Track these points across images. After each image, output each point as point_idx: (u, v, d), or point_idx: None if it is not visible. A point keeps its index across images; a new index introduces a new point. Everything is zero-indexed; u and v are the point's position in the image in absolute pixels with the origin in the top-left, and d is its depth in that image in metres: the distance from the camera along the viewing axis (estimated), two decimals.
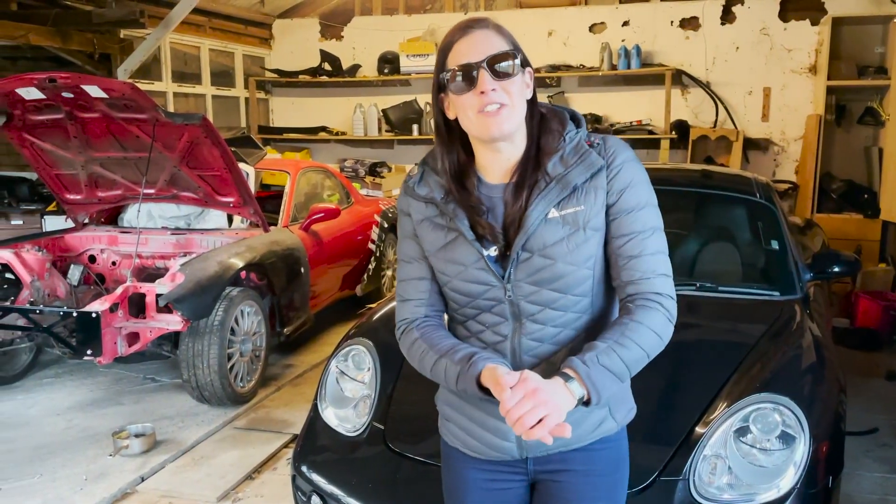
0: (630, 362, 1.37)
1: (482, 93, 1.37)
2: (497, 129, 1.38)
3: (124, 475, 3.45)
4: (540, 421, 1.24)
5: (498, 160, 1.45)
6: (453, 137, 1.48)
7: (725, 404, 2.25)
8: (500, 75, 1.38)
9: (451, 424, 1.58)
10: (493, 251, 1.43)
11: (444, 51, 1.42)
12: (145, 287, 3.91)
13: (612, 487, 1.55)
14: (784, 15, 7.57)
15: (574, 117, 1.50)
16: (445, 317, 1.58)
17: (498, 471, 1.54)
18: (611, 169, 1.42)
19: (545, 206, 1.40)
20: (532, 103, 1.46)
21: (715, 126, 7.75)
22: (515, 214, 1.42)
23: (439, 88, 1.45)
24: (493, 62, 1.37)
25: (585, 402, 1.33)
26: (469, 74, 1.38)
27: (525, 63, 1.43)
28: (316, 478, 2.39)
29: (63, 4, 6.18)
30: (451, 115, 1.45)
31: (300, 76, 8.84)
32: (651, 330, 1.40)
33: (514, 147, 1.44)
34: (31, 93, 4.10)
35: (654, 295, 1.42)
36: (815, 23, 7.45)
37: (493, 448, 1.51)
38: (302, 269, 4.95)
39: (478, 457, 1.54)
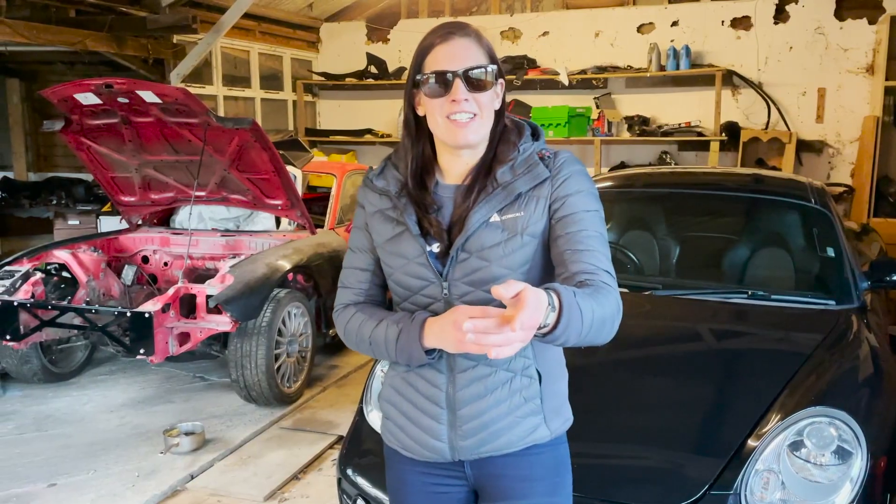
0: (596, 319, 1.29)
1: (454, 101, 1.41)
2: (464, 138, 1.44)
3: (174, 473, 3.52)
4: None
5: (457, 164, 1.50)
6: (421, 134, 1.52)
7: (779, 417, 2.19)
8: (474, 86, 1.42)
9: (390, 423, 1.60)
10: (435, 248, 1.46)
11: (422, 52, 1.46)
12: (196, 288, 3.99)
13: (552, 490, 1.54)
14: (840, 13, 7.36)
15: (535, 131, 1.54)
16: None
17: (437, 474, 1.56)
18: (556, 179, 1.46)
19: (488, 211, 1.44)
20: (499, 114, 1.50)
21: (767, 128, 7.58)
22: (460, 215, 1.46)
23: (413, 85, 1.48)
24: (468, 73, 1.42)
25: (545, 331, 1.24)
26: (444, 81, 1.42)
27: (500, 75, 1.48)
28: (361, 481, 2.41)
29: (119, 11, 6.35)
30: (420, 113, 1.50)
31: (347, 79, 8.92)
32: (614, 301, 1.36)
33: (475, 153, 1.49)
34: (88, 98, 4.22)
35: (606, 282, 1.38)
36: (872, 21, 7.23)
37: (426, 447, 1.52)
38: None
39: (413, 457, 1.56)
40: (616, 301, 1.37)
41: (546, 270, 1.48)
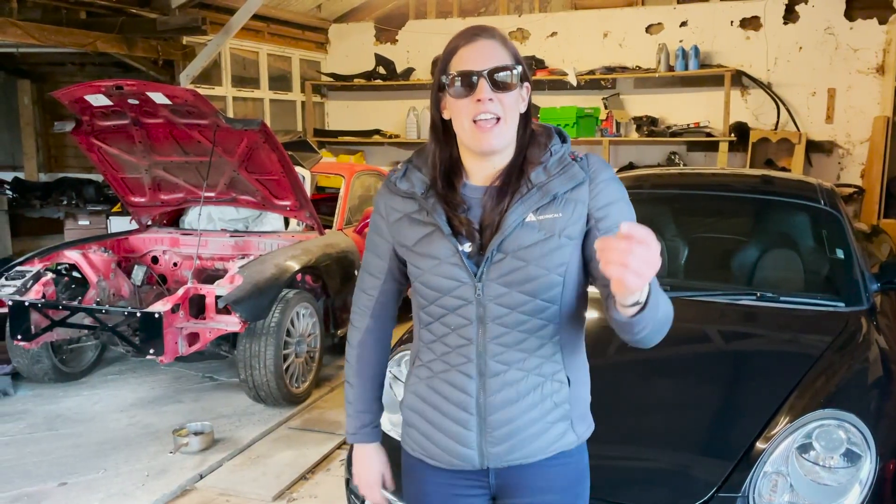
0: (663, 313, 1.33)
1: (479, 101, 1.41)
2: (488, 144, 1.43)
3: (184, 472, 3.54)
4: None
5: (484, 167, 1.49)
6: (448, 136, 1.51)
7: (787, 419, 2.19)
8: (498, 87, 1.42)
9: (413, 431, 1.57)
10: (467, 247, 1.45)
11: (448, 54, 1.46)
12: (205, 289, 4.01)
13: (572, 501, 1.55)
14: (850, 13, 7.33)
15: (560, 134, 1.54)
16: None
17: (459, 484, 1.54)
18: (595, 184, 1.45)
19: (524, 211, 1.43)
20: (526, 117, 1.50)
21: (776, 128, 7.55)
22: (493, 217, 1.45)
23: (439, 88, 1.48)
24: (493, 73, 1.41)
25: (635, 310, 1.27)
26: (469, 81, 1.42)
27: (525, 78, 1.47)
28: None
29: (129, 13, 6.39)
30: (446, 116, 1.49)
31: (355, 80, 8.95)
32: (670, 304, 1.37)
33: (502, 157, 1.48)
34: (99, 99, 4.25)
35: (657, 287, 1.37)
36: (882, 21, 7.20)
37: (454, 455, 1.51)
38: (356, 272, 5.01)
39: (438, 465, 1.54)
40: (671, 305, 1.37)
41: (580, 274, 1.48)
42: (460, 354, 1.48)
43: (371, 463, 1.70)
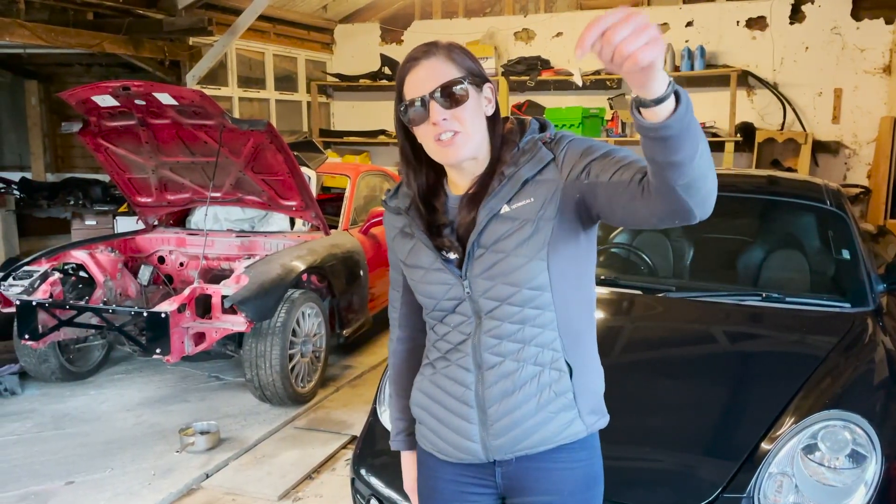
0: (706, 151, 1.18)
1: (434, 124, 1.41)
2: (453, 156, 1.44)
3: (190, 471, 3.56)
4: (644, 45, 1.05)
5: (463, 176, 1.50)
6: (420, 160, 1.53)
7: (793, 420, 2.19)
8: (450, 104, 1.41)
9: (423, 427, 1.61)
10: (451, 256, 1.48)
11: (399, 82, 1.47)
12: (211, 289, 4.03)
13: None
14: (857, 13, 7.31)
15: (543, 126, 1.52)
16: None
17: (467, 481, 1.57)
18: (558, 155, 1.43)
19: (497, 203, 1.44)
20: (494, 119, 1.49)
21: (782, 128, 7.54)
22: (468, 217, 1.47)
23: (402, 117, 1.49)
24: (441, 92, 1.41)
25: (666, 113, 1.11)
26: (420, 107, 1.42)
27: (483, 80, 1.47)
28: (374, 481, 2.42)
29: (136, 14, 6.41)
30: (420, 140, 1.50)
31: (361, 80, 8.96)
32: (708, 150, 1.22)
33: (478, 163, 1.48)
34: (105, 100, 4.27)
35: None
36: (889, 21, 7.18)
37: (459, 448, 1.53)
38: (361, 272, 5.02)
39: (447, 459, 1.57)
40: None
41: (571, 251, 1.45)
42: (459, 350, 1.51)
43: (407, 470, 1.76)
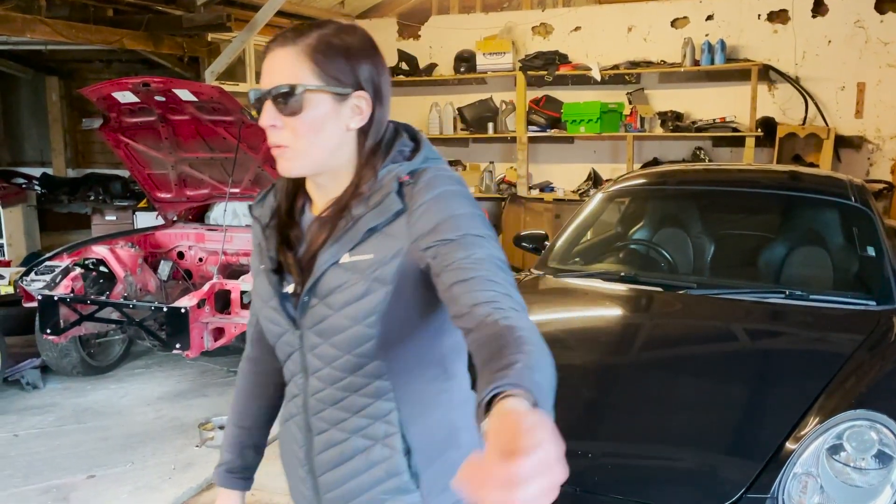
0: (550, 375, 0.95)
1: (267, 127, 1.17)
2: (283, 169, 1.18)
3: (209, 466, 3.57)
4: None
5: (319, 193, 1.25)
6: None
7: (817, 420, 2.16)
8: (285, 110, 1.14)
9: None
10: (289, 289, 1.24)
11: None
12: (230, 284, 4.05)
13: None
14: (880, 6, 7.19)
15: (417, 147, 1.23)
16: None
17: None
18: (413, 214, 1.15)
19: (338, 249, 1.18)
20: (363, 133, 1.20)
21: (804, 123, 7.44)
22: (312, 253, 1.22)
23: None
24: (276, 95, 1.14)
25: None
26: (257, 102, 1.17)
27: (355, 87, 1.16)
28: None
29: (155, 10, 6.44)
30: None
31: None
32: (535, 332, 1.01)
33: (338, 184, 1.21)
34: (126, 96, 4.30)
35: (514, 308, 1.05)
36: None
37: (303, 498, 1.36)
38: None
39: None
40: (534, 328, 1.02)
41: (404, 325, 1.19)
42: (295, 405, 1.30)
43: None
